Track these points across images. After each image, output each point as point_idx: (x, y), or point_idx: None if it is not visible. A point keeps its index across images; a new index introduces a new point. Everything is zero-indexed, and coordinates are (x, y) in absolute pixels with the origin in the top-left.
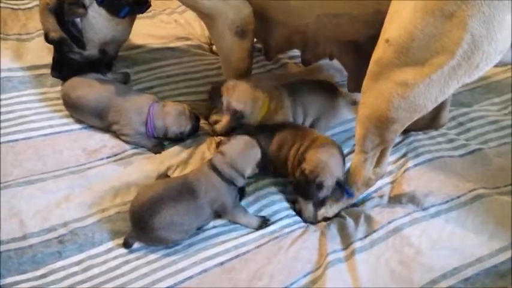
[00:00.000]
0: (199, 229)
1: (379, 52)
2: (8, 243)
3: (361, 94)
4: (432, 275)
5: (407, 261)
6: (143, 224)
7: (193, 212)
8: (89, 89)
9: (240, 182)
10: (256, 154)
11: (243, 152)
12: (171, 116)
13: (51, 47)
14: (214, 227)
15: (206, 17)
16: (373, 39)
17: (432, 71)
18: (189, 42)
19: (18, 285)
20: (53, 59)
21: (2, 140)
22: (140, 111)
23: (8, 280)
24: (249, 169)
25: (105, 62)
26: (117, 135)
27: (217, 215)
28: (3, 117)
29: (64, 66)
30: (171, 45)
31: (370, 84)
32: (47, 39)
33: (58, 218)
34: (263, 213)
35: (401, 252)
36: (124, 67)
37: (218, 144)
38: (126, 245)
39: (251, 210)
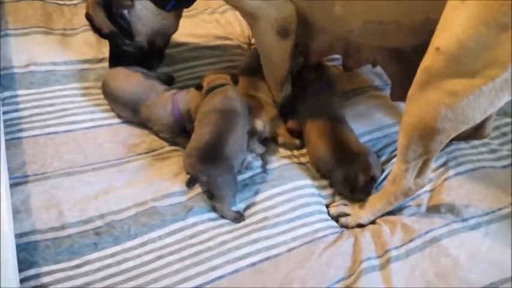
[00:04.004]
0: None
1: (428, 60)
2: (47, 233)
3: (406, 102)
4: None
5: (444, 273)
6: (216, 157)
7: (244, 128)
8: (127, 80)
9: None
10: None
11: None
12: (196, 98)
13: (94, 42)
14: (246, 225)
15: (249, 16)
16: (420, 47)
17: (483, 82)
18: (228, 42)
19: (53, 274)
20: (110, 52)
21: (42, 132)
22: (165, 103)
23: (44, 269)
24: None
25: (155, 54)
26: (154, 131)
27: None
28: (44, 109)
29: (120, 59)
30: (211, 44)
31: (416, 92)
32: (101, 34)
33: (95, 210)
34: (297, 213)
35: (438, 263)
36: (164, 65)
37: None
38: (191, 182)
39: (286, 207)
